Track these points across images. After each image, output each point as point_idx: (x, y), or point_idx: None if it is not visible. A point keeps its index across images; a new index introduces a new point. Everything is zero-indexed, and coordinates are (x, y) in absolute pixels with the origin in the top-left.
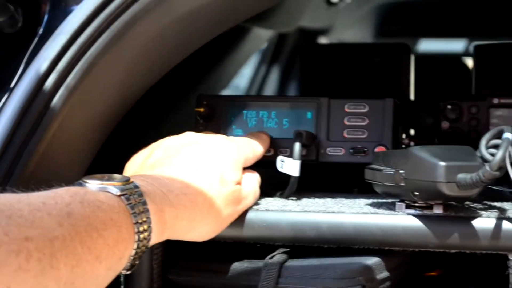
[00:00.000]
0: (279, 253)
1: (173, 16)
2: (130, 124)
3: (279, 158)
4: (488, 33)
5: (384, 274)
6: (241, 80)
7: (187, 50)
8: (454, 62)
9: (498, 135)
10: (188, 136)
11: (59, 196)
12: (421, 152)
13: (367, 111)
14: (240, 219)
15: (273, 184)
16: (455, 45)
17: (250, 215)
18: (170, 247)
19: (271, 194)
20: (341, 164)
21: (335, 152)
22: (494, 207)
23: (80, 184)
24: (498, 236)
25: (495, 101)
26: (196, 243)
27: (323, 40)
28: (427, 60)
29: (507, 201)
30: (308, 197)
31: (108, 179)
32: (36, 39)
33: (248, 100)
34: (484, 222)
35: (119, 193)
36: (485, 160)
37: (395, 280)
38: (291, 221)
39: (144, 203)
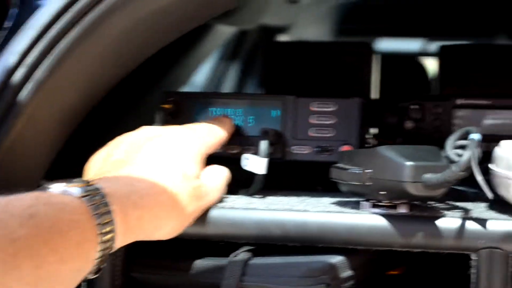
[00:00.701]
0: (243, 251)
1: (143, 12)
2: (92, 120)
3: (244, 156)
4: (447, 33)
5: (348, 273)
6: (199, 77)
7: (156, 46)
8: (413, 61)
9: (464, 136)
10: (146, 132)
11: (22, 199)
12: (388, 152)
13: (333, 110)
14: (205, 217)
15: (238, 181)
16: (415, 45)
17: (215, 213)
18: (133, 244)
19: (236, 192)
20: (306, 163)
21: (301, 151)
22: (458, 207)
23: (43, 189)
24: (462, 236)
25: (459, 101)
26: (160, 240)
27: (283, 38)
28: (389, 59)
29: (470, 201)
30: (273, 195)
31: (70, 182)
32: (3, 32)
33: (215, 97)
34: (449, 222)
35: (81, 195)
36: (451, 161)
37: (358, 278)
38: (256, 219)
39: (107, 204)
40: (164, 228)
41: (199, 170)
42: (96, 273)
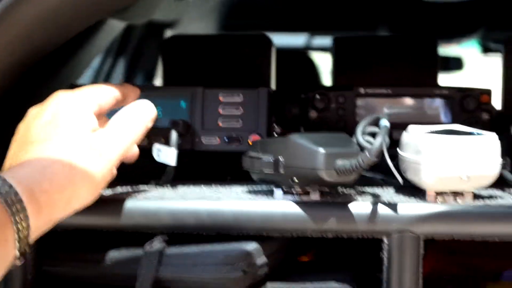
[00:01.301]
0: (158, 241)
1: (48, 4)
2: None
3: (156, 147)
4: (333, 27)
5: (263, 259)
6: (89, 72)
7: (59, 41)
8: (302, 55)
9: (374, 123)
10: (35, 114)
11: None
12: (300, 140)
13: (241, 100)
14: (118, 208)
15: (148, 172)
16: (301, 39)
17: (128, 204)
18: (45, 237)
19: (147, 183)
20: (216, 153)
21: (210, 141)
22: (368, 193)
23: None
24: (374, 220)
25: (361, 91)
26: (71, 232)
27: (169, 33)
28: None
29: (378, 187)
30: (184, 185)
31: None
32: None
33: None
34: (360, 207)
35: None
36: (362, 147)
37: (272, 265)
38: (170, 209)
39: (10, 185)
40: (77, 197)
41: (94, 123)
42: (21, 256)
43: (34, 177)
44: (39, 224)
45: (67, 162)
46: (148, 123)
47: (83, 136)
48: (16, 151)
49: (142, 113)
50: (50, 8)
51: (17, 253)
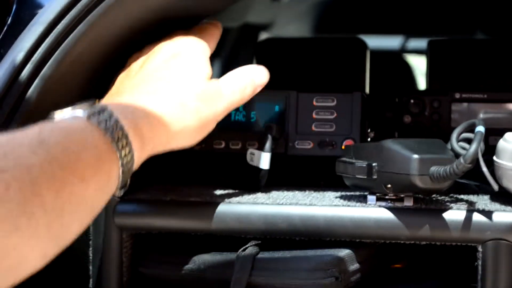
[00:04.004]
0: (251, 246)
1: (143, 10)
2: None
3: (250, 151)
4: (428, 31)
5: (355, 266)
6: None
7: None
8: (397, 58)
9: (470, 129)
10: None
11: (26, 131)
12: (394, 145)
13: (335, 105)
14: (212, 212)
15: (241, 177)
16: (390, 42)
17: (221, 208)
18: (140, 239)
19: (240, 187)
20: (309, 157)
21: (304, 145)
22: (462, 200)
23: (47, 119)
24: (468, 228)
25: (457, 95)
26: (165, 235)
27: (264, 35)
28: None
29: (473, 194)
30: (277, 190)
31: (74, 107)
32: (5, 28)
33: None
34: (455, 214)
35: (86, 115)
36: (456, 153)
37: (364, 272)
38: (263, 214)
39: (116, 120)
40: (179, 135)
41: (209, 70)
42: (122, 187)
43: (142, 112)
44: (140, 157)
45: (178, 103)
46: (258, 88)
47: (199, 83)
48: (123, 85)
49: (256, 78)
50: (152, 9)
51: (119, 186)
